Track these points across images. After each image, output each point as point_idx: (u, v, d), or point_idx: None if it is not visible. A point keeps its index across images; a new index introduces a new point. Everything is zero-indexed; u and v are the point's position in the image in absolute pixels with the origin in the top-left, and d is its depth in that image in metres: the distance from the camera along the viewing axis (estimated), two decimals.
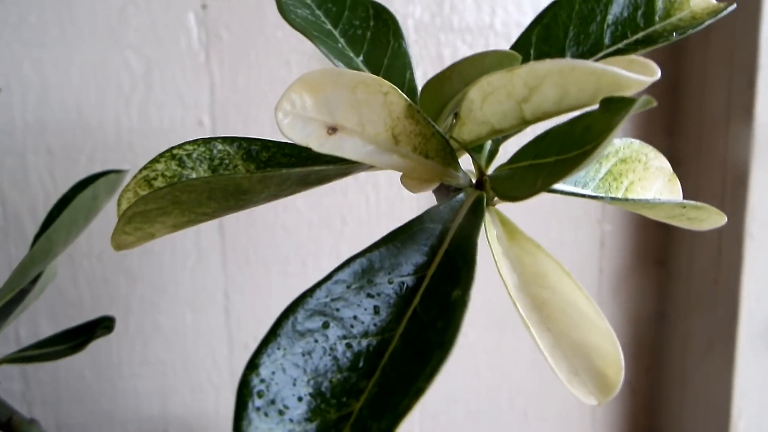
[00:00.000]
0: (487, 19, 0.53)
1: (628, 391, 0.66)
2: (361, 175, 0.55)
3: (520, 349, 0.62)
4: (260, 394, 0.12)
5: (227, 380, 0.56)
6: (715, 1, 0.17)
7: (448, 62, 0.54)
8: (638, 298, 0.64)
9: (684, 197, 0.62)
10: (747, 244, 0.54)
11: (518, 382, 0.62)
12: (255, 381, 0.12)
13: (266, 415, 0.11)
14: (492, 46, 0.54)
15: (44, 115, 0.50)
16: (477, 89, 0.14)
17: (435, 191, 0.17)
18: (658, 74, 0.13)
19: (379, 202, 0.55)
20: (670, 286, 0.64)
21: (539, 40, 0.17)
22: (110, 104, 0.50)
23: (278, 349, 0.13)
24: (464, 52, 0.53)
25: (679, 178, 0.64)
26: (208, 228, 0.53)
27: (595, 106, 0.13)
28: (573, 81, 0.12)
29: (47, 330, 0.53)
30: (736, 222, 0.55)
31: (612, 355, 0.14)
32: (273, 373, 0.12)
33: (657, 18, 0.17)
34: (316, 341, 0.13)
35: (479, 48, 0.54)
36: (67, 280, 0.52)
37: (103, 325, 0.27)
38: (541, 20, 0.18)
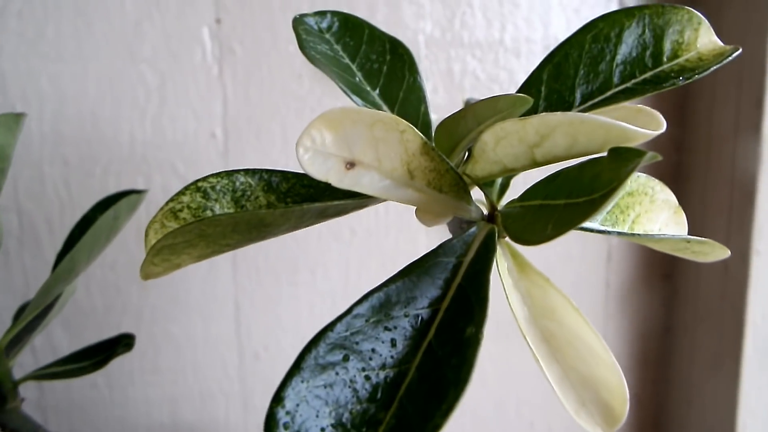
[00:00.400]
0: (497, 34, 0.54)
1: (635, 402, 0.66)
2: None
3: (527, 360, 0.62)
4: (286, 426, 0.12)
5: (237, 389, 0.57)
6: (721, 44, 0.18)
7: (458, 77, 0.55)
8: (645, 312, 0.64)
9: (692, 213, 0.63)
10: (754, 260, 0.54)
11: (525, 392, 0.63)
12: (281, 413, 0.13)
13: None
14: (502, 62, 0.54)
15: (60, 127, 0.51)
16: (491, 133, 0.14)
17: (448, 223, 0.18)
18: (664, 127, 0.13)
19: (388, 213, 0.55)
20: (676, 300, 0.64)
21: (550, 78, 0.18)
22: (125, 117, 0.51)
23: (302, 382, 0.13)
24: (474, 67, 0.54)
25: (686, 194, 0.65)
26: None
27: (604, 153, 0.13)
28: (582, 132, 0.13)
29: (61, 338, 0.54)
30: (743, 238, 0.55)
31: (617, 388, 0.15)
32: (297, 405, 0.13)
33: (665, 58, 0.17)
34: (337, 374, 0.13)
35: (489, 63, 0.54)
36: (81, 289, 0.53)
37: (123, 343, 0.28)
38: (552, 59, 0.18)
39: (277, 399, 0.13)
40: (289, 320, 0.56)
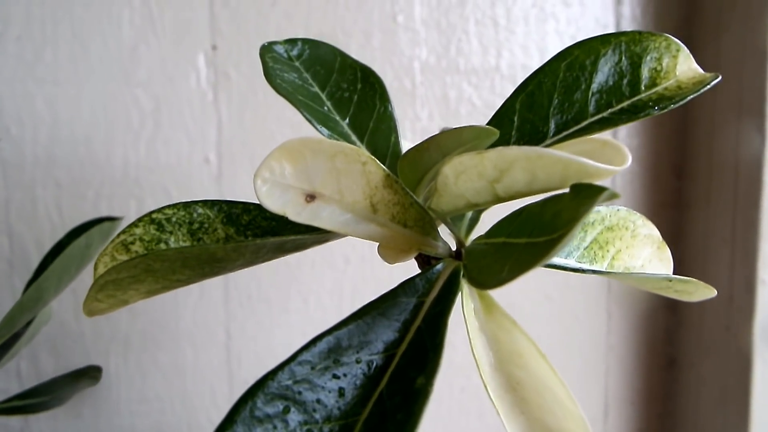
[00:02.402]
0: (493, 61, 0.53)
1: None
2: None
3: None
4: None
5: None
6: (701, 71, 0.17)
7: (454, 104, 0.54)
8: (648, 344, 0.62)
9: (694, 242, 0.61)
10: (759, 290, 0.53)
11: None
12: None
13: None
14: (498, 89, 0.54)
15: (54, 149, 0.51)
16: (450, 167, 0.14)
17: (417, 259, 0.17)
18: (628, 163, 0.12)
19: None
20: (680, 332, 0.62)
21: (523, 108, 0.17)
22: (119, 140, 0.51)
23: None
24: (470, 93, 0.54)
25: (688, 222, 0.63)
26: None
27: (566, 189, 0.13)
28: (540, 167, 0.12)
29: (47, 363, 0.53)
30: (747, 268, 0.54)
31: None
32: None
33: (643, 87, 0.16)
34: (275, 427, 0.12)
35: (485, 90, 0.54)
36: (69, 315, 0.52)
37: (89, 376, 0.27)
38: (525, 88, 0.18)
39: None
40: (281, 349, 0.55)
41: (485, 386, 0.14)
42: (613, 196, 0.11)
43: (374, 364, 0.13)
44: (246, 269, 0.55)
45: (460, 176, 0.14)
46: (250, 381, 0.53)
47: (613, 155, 0.12)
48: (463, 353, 0.61)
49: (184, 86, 0.51)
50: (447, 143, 0.15)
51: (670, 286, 0.16)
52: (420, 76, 0.53)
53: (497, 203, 0.15)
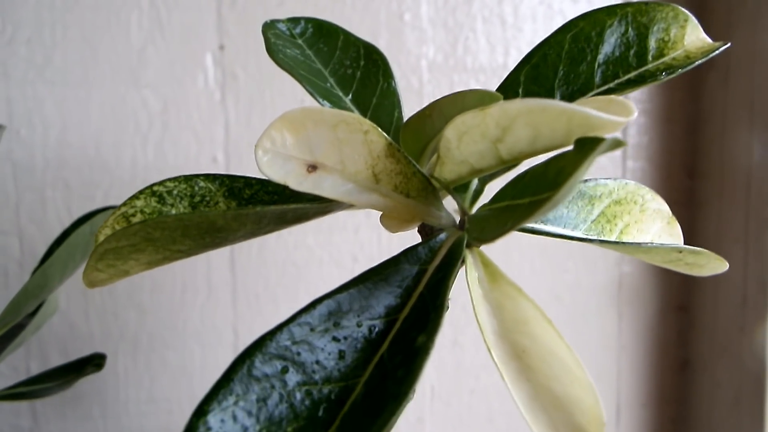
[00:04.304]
0: (501, 59, 0.53)
1: None
2: (373, 213, 0.55)
3: None
4: None
5: None
6: (710, 40, 0.17)
7: None
8: (661, 345, 0.62)
9: (706, 241, 0.60)
10: None
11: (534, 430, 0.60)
12: (201, 429, 0.12)
13: None
14: None
15: (64, 151, 0.51)
16: (452, 128, 0.14)
17: (420, 231, 0.17)
18: (634, 114, 0.12)
19: (391, 240, 0.54)
20: (693, 333, 0.61)
21: (528, 80, 0.17)
22: (127, 141, 0.51)
23: (230, 395, 0.12)
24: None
25: (700, 221, 0.62)
26: (219, 264, 0.53)
27: (570, 147, 0.12)
28: (544, 122, 0.12)
29: (57, 363, 0.53)
30: (760, 267, 0.53)
31: (593, 410, 0.13)
32: (222, 421, 0.12)
33: (650, 57, 0.16)
34: (273, 387, 0.12)
35: (493, 87, 0.54)
36: (78, 314, 0.52)
37: (93, 363, 0.27)
38: (530, 60, 0.18)
39: (199, 413, 0.12)
40: None
41: (490, 353, 0.14)
42: (619, 144, 0.11)
43: (376, 328, 0.13)
44: (254, 274, 0.54)
45: (463, 138, 0.13)
46: None
47: (619, 110, 0.12)
48: (472, 355, 0.61)
49: (191, 87, 0.51)
50: (449, 109, 0.14)
51: (681, 258, 0.15)
52: (427, 75, 0.53)
53: (501, 167, 0.14)
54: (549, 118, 0.12)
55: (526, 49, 0.55)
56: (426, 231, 0.17)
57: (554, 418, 0.13)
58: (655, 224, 0.19)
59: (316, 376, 0.12)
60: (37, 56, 0.49)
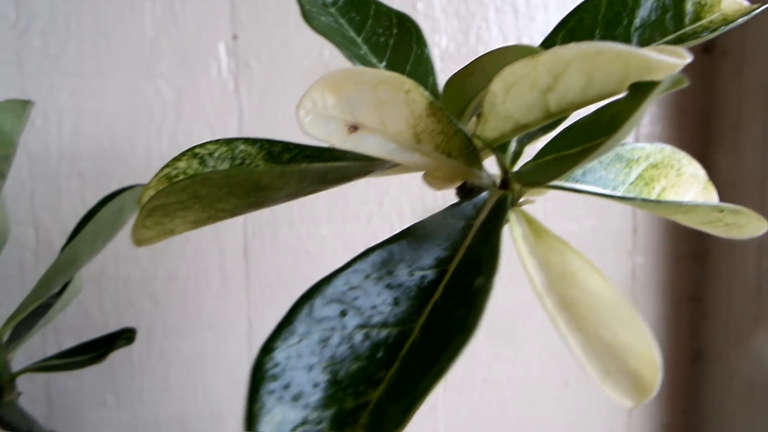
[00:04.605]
0: None
1: None
2: (386, 202, 0.55)
3: (547, 385, 0.60)
4: (275, 378, 0.11)
5: None
6: (746, 3, 0.17)
7: None
8: (673, 336, 0.62)
9: (721, 237, 0.60)
10: None
11: (546, 420, 0.60)
12: (269, 365, 0.12)
13: (280, 399, 0.11)
14: None
15: (78, 142, 0.51)
16: (499, 80, 0.14)
17: (458, 191, 0.17)
18: (689, 58, 0.12)
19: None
20: (706, 323, 0.61)
21: (564, 43, 0.17)
22: (142, 132, 0.51)
23: (294, 334, 0.12)
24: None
25: None
26: (232, 253, 0.53)
27: (622, 95, 0.12)
28: (599, 65, 0.12)
29: None
30: None
31: (647, 355, 0.13)
32: (288, 357, 0.12)
33: (687, 21, 0.16)
34: (333, 329, 0.12)
35: None
36: (94, 304, 0.52)
37: (124, 336, 0.27)
38: (566, 24, 0.18)
39: (266, 350, 0.12)
40: None
41: (543, 303, 0.14)
42: (680, 82, 0.11)
43: (427, 278, 0.13)
44: (267, 263, 0.54)
45: (511, 89, 0.14)
46: None
47: (674, 54, 0.12)
48: (484, 345, 0.61)
49: (205, 77, 0.51)
50: (492, 65, 0.14)
51: (721, 218, 0.15)
52: (440, 64, 0.53)
53: (546, 122, 0.14)
54: (604, 62, 0.12)
55: (539, 38, 0.55)
56: (465, 191, 0.17)
57: (608, 364, 0.13)
58: (692, 189, 0.19)
59: (373, 320, 0.12)
60: (51, 47, 0.50)
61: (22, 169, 0.51)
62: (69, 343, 0.53)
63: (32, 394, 0.53)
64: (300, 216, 0.53)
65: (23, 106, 0.23)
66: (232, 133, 0.52)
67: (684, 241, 0.60)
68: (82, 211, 0.52)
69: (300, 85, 0.52)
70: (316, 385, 0.11)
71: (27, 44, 0.49)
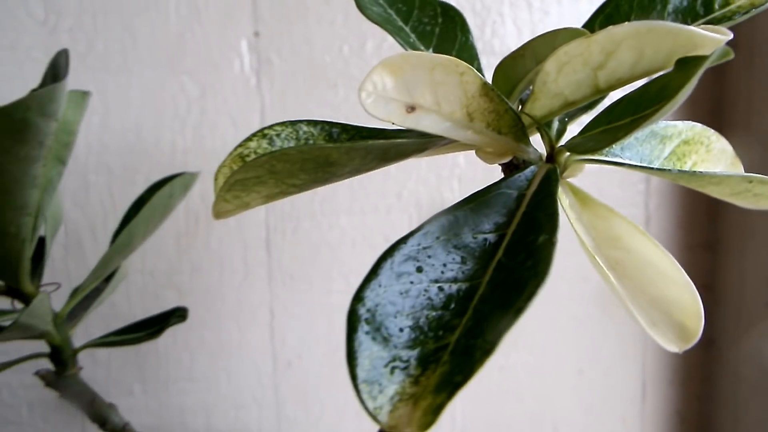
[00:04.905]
0: None
1: (677, 420, 0.64)
2: (404, 195, 0.56)
3: (563, 374, 0.61)
4: (368, 321, 0.13)
5: (270, 397, 0.57)
6: None
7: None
8: None
9: (731, 219, 0.61)
10: None
11: (562, 407, 0.61)
12: (362, 310, 0.13)
13: (374, 339, 0.12)
14: None
15: (105, 137, 0.52)
16: (553, 60, 0.15)
17: (504, 167, 0.18)
18: (731, 35, 0.13)
19: (422, 221, 0.56)
20: (718, 311, 0.62)
21: (602, 28, 0.18)
22: (167, 126, 0.52)
23: (379, 286, 0.14)
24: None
25: (723, 202, 0.63)
26: (255, 245, 0.55)
27: (668, 70, 0.14)
28: (649, 42, 0.13)
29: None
30: None
31: (691, 306, 0.14)
32: (376, 305, 0.13)
33: (716, 6, 0.17)
34: (411, 282, 0.14)
35: None
36: (121, 295, 0.53)
37: (177, 314, 0.28)
38: (603, 10, 0.19)
39: (358, 298, 0.13)
40: (322, 328, 0.56)
41: (594, 262, 0.15)
42: (726, 55, 0.12)
43: (489, 240, 0.14)
44: (289, 255, 0.56)
45: (564, 68, 0.15)
46: (294, 360, 0.55)
47: (715, 32, 0.13)
48: None
49: (228, 72, 0.52)
50: (542, 48, 0.16)
51: (750, 189, 0.16)
52: None
53: (595, 97, 0.16)
54: (655, 38, 0.13)
55: None
56: (511, 166, 0.18)
57: (653, 317, 0.14)
58: (720, 163, 0.20)
59: (445, 276, 0.14)
60: (79, 44, 0.51)
61: None
62: (97, 333, 0.54)
63: None
64: (321, 208, 0.55)
65: (82, 96, 0.24)
66: (254, 127, 0.53)
67: (696, 231, 0.61)
68: (109, 205, 0.53)
69: (321, 80, 0.53)
70: (401, 330, 0.13)
71: (56, 42, 0.51)
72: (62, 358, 0.27)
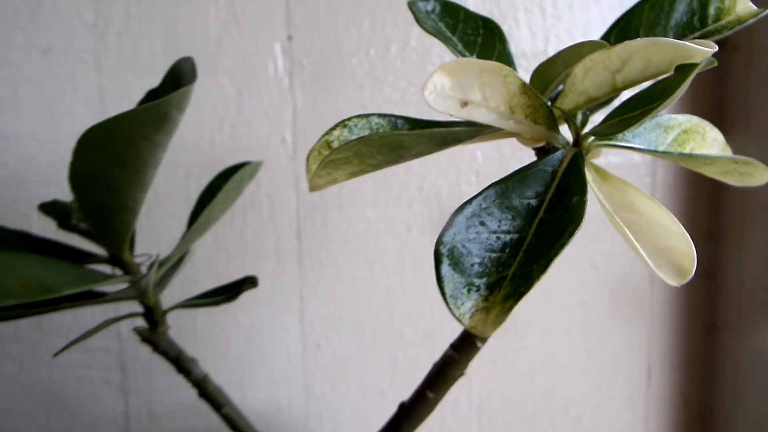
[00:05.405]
0: (541, 45, 0.58)
1: (681, 401, 0.67)
2: (425, 188, 0.60)
3: (573, 356, 0.64)
4: (448, 257, 0.17)
5: (300, 377, 0.61)
6: (756, 8, 0.22)
7: None
8: (689, 310, 0.66)
9: (731, 209, 0.64)
10: None
11: (571, 388, 0.65)
12: (443, 250, 0.17)
13: (454, 269, 0.17)
14: None
15: None
16: (581, 65, 0.19)
17: (537, 152, 0.22)
18: (716, 48, 0.17)
19: (442, 212, 0.60)
20: (719, 298, 0.65)
21: (616, 40, 0.22)
22: (206, 124, 0.57)
23: (455, 234, 0.18)
24: (521, 75, 0.59)
25: (726, 190, 0.66)
26: (286, 235, 0.59)
27: (669, 74, 0.17)
28: (655, 53, 0.17)
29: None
30: None
31: (687, 252, 0.18)
32: (453, 246, 0.17)
33: (710, 21, 0.21)
34: (477, 233, 0.18)
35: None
36: None
37: (248, 282, 0.33)
38: (618, 24, 0.23)
39: (439, 242, 0.18)
40: (349, 312, 0.60)
41: (614, 221, 0.19)
42: (712, 63, 0.16)
43: (531, 204, 0.18)
44: (318, 243, 0.59)
45: (589, 72, 0.19)
46: (322, 341, 0.59)
47: (704, 46, 0.17)
48: (515, 318, 0.66)
49: (263, 74, 0.56)
50: (569, 57, 0.20)
51: (736, 168, 0.20)
52: None
53: (612, 95, 0.20)
54: (660, 50, 0.17)
55: (565, 36, 0.60)
56: (543, 151, 0.22)
57: (659, 261, 0.18)
58: (713, 149, 0.24)
59: (500, 229, 0.18)
60: (125, 48, 0.55)
61: None
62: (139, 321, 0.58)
63: (108, 362, 0.59)
64: (348, 201, 0.59)
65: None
66: (287, 126, 0.57)
67: (699, 222, 0.64)
68: (153, 197, 0.57)
69: (349, 81, 0.57)
70: (472, 265, 0.17)
71: (104, 46, 0.55)
72: (154, 317, 0.31)
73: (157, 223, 0.57)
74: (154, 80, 0.56)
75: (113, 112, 0.56)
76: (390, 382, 0.62)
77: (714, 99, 0.62)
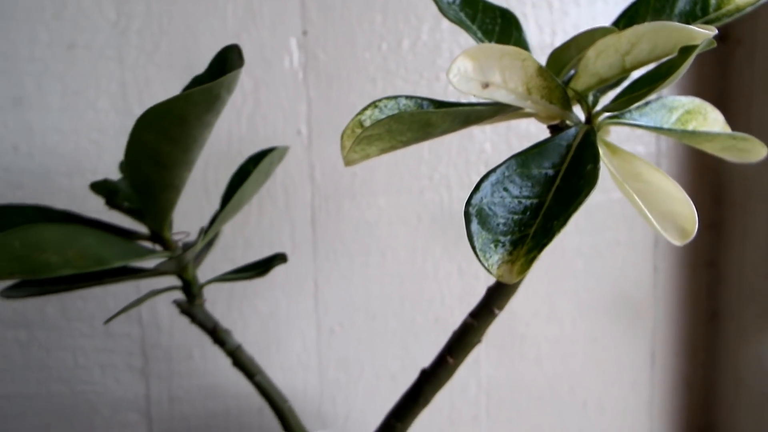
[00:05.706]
0: (548, 39, 0.60)
1: (684, 386, 0.69)
2: (436, 177, 0.62)
3: (578, 342, 0.66)
4: (477, 216, 0.19)
5: (314, 362, 0.63)
6: None
7: None
8: (692, 298, 0.68)
9: (732, 199, 0.66)
10: None
11: (577, 373, 0.66)
12: (471, 210, 0.19)
13: (482, 227, 0.19)
14: None
15: None
16: (594, 48, 0.21)
17: (551, 129, 0.24)
18: (716, 31, 0.19)
19: (452, 201, 0.61)
20: (721, 286, 0.67)
21: (625, 27, 0.24)
22: (224, 116, 0.58)
23: (482, 198, 0.20)
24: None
25: (727, 181, 0.67)
26: (301, 223, 0.61)
27: (673, 55, 0.19)
28: (662, 36, 0.19)
29: (166, 312, 0.60)
30: None
31: (689, 216, 0.20)
32: (480, 208, 0.19)
33: (711, 10, 0.23)
34: (502, 197, 0.20)
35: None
36: None
37: (278, 258, 0.35)
38: (626, 13, 0.25)
39: (468, 203, 0.20)
40: (361, 299, 0.62)
41: (624, 189, 0.21)
42: (711, 44, 0.18)
43: (548, 173, 0.20)
44: (332, 231, 0.61)
45: (600, 54, 0.21)
46: (336, 327, 0.61)
47: (706, 28, 0.19)
48: (522, 303, 0.67)
49: (279, 68, 0.58)
50: (583, 41, 0.22)
51: (734, 144, 0.22)
52: None
53: (621, 75, 0.21)
54: (665, 33, 0.19)
55: (572, 30, 0.62)
56: (557, 128, 0.24)
57: (665, 224, 0.20)
58: (714, 128, 0.26)
59: (522, 194, 0.20)
60: (146, 44, 0.57)
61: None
62: (161, 305, 0.60)
63: (130, 347, 0.61)
64: (360, 190, 0.61)
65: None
66: (302, 118, 0.59)
67: (701, 212, 0.65)
68: None
69: (361, 74, 0.59)
70: (497, 224, 0.19)
71: (126, 42, 0.57)
72: (192, 291, 0.33)
73: (177, 211, 0.59)
74: (174, 74, 0.58)
75: (135, 105, 0.58)
76: (401, 367, 0.64)
77: (717, 92, 0.64)
